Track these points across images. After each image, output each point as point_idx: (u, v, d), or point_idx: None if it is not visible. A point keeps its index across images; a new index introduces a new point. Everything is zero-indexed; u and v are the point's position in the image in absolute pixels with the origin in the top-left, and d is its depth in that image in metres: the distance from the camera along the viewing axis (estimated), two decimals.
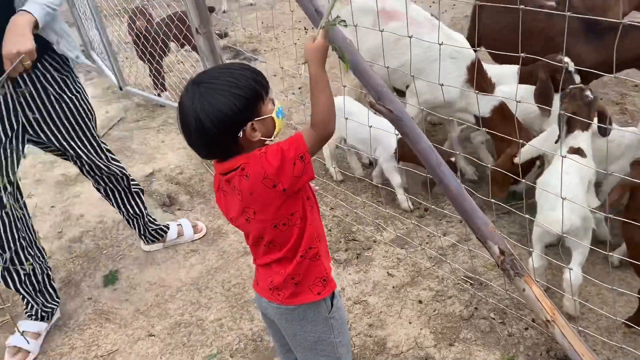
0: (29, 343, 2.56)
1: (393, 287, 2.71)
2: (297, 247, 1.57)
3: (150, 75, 4.62)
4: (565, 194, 2.04)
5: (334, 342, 1.73)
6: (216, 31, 5.91)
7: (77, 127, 2.50)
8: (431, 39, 2.63)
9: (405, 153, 3.08)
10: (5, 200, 2.34)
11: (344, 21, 1.53)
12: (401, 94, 3.38)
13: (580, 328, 2.25)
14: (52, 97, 2.38)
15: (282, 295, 1.63)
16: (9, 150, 2.33)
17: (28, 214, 2.56)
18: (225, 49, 5.74)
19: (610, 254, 2.36)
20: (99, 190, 2.88)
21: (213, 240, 3.20)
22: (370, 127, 2.93)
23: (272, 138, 1.49)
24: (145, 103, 4.79)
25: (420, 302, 2.60)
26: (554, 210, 2.19)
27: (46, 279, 2.66)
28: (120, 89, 4.86)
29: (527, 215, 2.26)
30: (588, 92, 2.48)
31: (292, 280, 1.60)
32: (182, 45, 4.53)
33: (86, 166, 2.68)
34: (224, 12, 7.00)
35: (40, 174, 3.96)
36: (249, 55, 5.62)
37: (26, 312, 2.67)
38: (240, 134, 1.42)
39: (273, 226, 1.52)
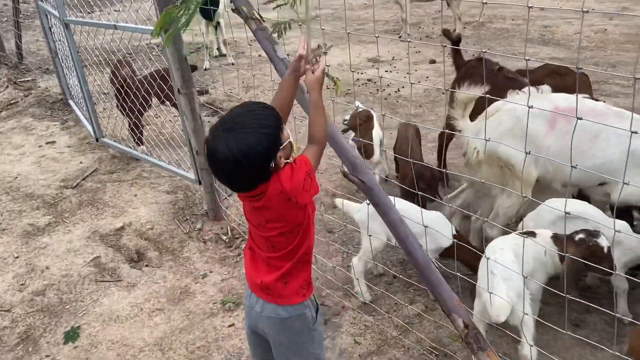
0: None
1: (359, 356, 2.71)
2: (295, 252, 1.77)
3: (128, 128, 4.66)
4: (502, 273, 2.12)
5: (314, 353, 1.92)
6: (197, 88, 6.05)
7: None
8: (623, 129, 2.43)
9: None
10: None
11: (326, 52, 1.78)
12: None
13: None
14: None
15: (271, 294, 1.82)
16: None
17: None
18: (204, 106, 5.85)
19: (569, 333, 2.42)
20: None
21: (179, 299, 3.17)
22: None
23: (290, 160, 1.69)
24: (120, 155, 4.81)
25: None
26: (506, 283, 2.32)
27: None
28: (97, 140, 4.88)
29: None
30: None
31: (282, 280, 1.80)
32: (163, 102, 4.61)
33: None
34: (205, 69, 7.16)
35: (7, 222, 3.90)
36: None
37: None
38: (272, 164, 1.61)
39: (280, 233, 1.73)
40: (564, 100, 2.94)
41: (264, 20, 2.60)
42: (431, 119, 5.56)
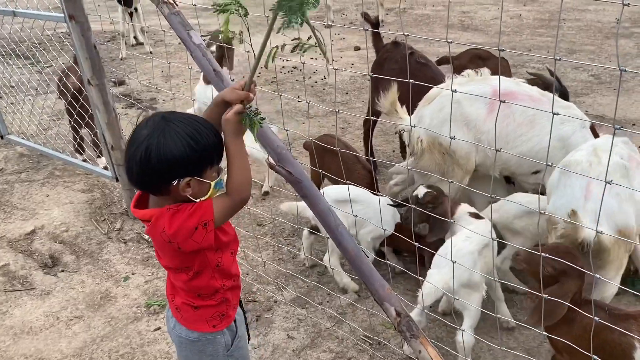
0: None
1: (293, 351, 2.63)
2: (198, 292, 1.63)
3: (75, 140, 4.08)
4: (455, 257, 2.12)
5: None
6: (112, 79, 5.73)
7: None
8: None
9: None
10: None
11: (263, 119, 1.58)
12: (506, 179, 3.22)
13: None
14: None
15: (181, 316, 1.68)
16: None
17: None
18: (120, 97, 5.55)
19: (499, 316, 2.46)
20: None
21: (100, 305, 2.96)
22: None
23: (197, 200, 1.51)
24: (29, 153, 4.45)
25: None
26: (438, 270, 2.33)
27: None
28: (1, 137, 4.50)
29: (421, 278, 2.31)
30: None
31: (191, 305, 1.66)
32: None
33: None
34: (121, 59, 6.80)
35: None
36: (147, 104, 5.47)
37: None
38: (175, 182, 1.45)
39: (176, 269, 1.60)
40: (501, 82, 2.97)
41: (176, 5, 2.44)
42: (358, 106, 5.55)
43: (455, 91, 1.90)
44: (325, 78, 6.24)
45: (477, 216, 2.71)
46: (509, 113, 2.81)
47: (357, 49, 7.19)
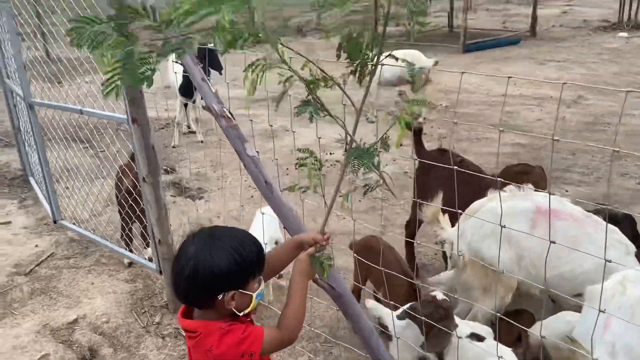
0: None
1: None
2: None
3: (126, 233, 4.14)
4: None
5: None
6: (163, 166, 5.97)
7: None
8: (599, 238, 2.56)
9: None
10: None
11: (331, 265, 1.72)
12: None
13: None
14: None
15: None
16: None
17: None
18: (170, 185, 5.75)
19: None
20: None
21: None
22: None
23: (241, 314, 1.55)
24: (79, 238, 4.61)
25: None
26: None
27: None
28: (55, 222, 4.69)
29: None
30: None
31: None
32: None
33: None
34: (173, 147, 7.11)
35: None
36: (194, 193, 5.64)
37: None
38: (220, 296, 1.49)
39: None
40: (544, 199, 2.95)
41: (234, 118, 2.59)
42: (399, 203, 5.57)
43: (504, 226, 1.90)
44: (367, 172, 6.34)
45: (478, 338, 2.60)
46: (552, 232, 2.77)
47: (399, 145, 7.32)
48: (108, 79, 1.44)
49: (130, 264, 4.15)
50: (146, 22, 1.41)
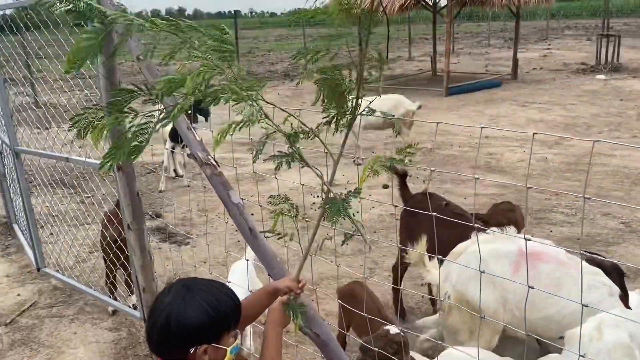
0: None
1: None
2: None
3: (109, 280, 4.09)
4: None
5: None
6: (149, 212, 5.96)
7: None
8: (583, 280, 2.48)
9: None
10: None
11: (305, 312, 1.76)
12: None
13: None
14: None
15: None
16: None
17: None
18: (156, 231, 5.73)
19: None
20: None
21: None
22: None
23: None
24: (62, 286, 4.55)
25: None
26: None
27: None
28: (38, 269, 4.63)
29: None
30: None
31: None
32: None
33: None
34: (160, 192, 7.11)
35: None
36: (180, 238, 5.61)
37: None
38: (192, 350, 1.48)
39: None
40: (529, 243, 2.98)
41: (219, 166, 2.62)
42: (385, 246, 5.59)
43: (483, 272, 1.93)
44: (354, 215, 6.36)
45: None
46: (535, 274, 2.80)
47: (385, 187, 7.39)
48: (105, 156, 1.52)
49: (115, 312, 4.09)
50: (144, 97, 1.50)
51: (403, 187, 4.18)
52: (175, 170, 7.83)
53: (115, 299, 4.04)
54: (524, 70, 16.43)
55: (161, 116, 1.48)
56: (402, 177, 4.13)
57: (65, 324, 4.04)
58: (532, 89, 13.93)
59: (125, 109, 1.47)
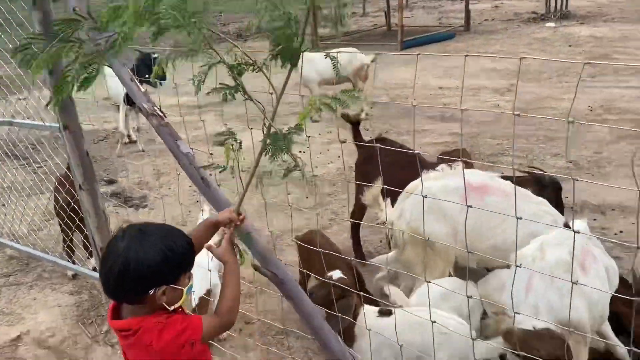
0: None
1: None
2: None
3: (66, 244, 4.07)
4: None
5: None
6: (104, 178, 5.85)
7: None
8: (527, 210, 2.69)
9: None
10: None
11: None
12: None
13: None
14: None
15: None
16: None
17: None
18: (112, 196, 5.64)
19: None
20: None
21: None
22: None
23: (171, 308, 1.56)
24: (18, 255, 4.47)
25: None
26: None
27: None
28: None
29: None
30: None
31: None
32: None
33: None
34: (119, 156, 6.98)
35: None
36: (137, 202, 5.55)
37: None
38: (151, 291, 1.50)
39: None
40: (475, 176, 3.09)
41: (165, 116, 2.59)
42: (345, 197, 5.66)
43: (425, 196, 1.99)
44: (312, 171, 6.41)
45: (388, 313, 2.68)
46: (483, 206, 2.90)
47: (343, 141, 7.43)
48: (55, 90, 1.49)
49: (75, 276, 4.05)
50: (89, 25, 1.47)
51: (357, 135, 4.23)
52: (129, 136, 7.67)
53: (73, 262, 4.01)
54: (476, 22, 16.53)
55: (108, 44, 1.45)
56: (355, 125, 4.18)
57: (24, 291, 3.99)
58: (485, 40, 14.07)
59: (72, 38, 1.43)
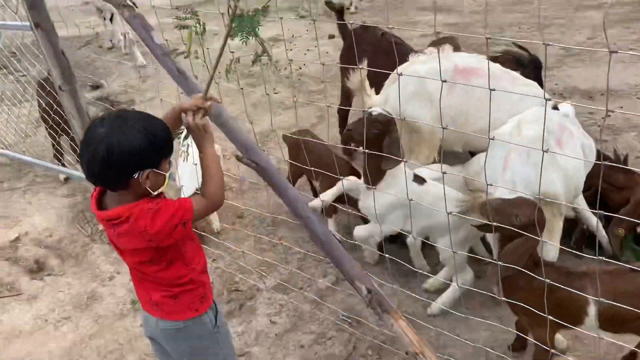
0: None
1: (276, 335, 2.72)
2: (171, 280, 1.70)
3: (56, 146, 4.08)
4: None
5: (220, 354, 1.88)
6: (89, 83, 5.75)
7: None
8: (516, 92, 2.71)
9: None
10: None
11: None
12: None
13: (446, 357, 2.40)
14: None
15: (162, 310, 1.75)
16: None
17: None
18: (98, 101, 5.57)
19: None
20: None
21: (87, 305, 3.04)
22: None
23: (154, 193, 1.59)
24: (10, 162, 4.49)
25: (302, 346, 2.64)
26: None
27: None
28: None
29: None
30: None
31: (170, 297, 1.73)
32: None
33: None
34: (109, 48, 6.81)
35: None
36: (125, 105, 5.50)
37: None
38: (136, 175, 1.52)
39: (140, 262, 1.66)
40: (462, 59, 3.03)
41: (136, 7, 2.50)
42: (334, 94, 5.60)
43: (400, 74, 1.97)
44: (300, 69, 6.29)
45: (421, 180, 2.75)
46: (469, 89, 2.87)
47: (331, 37, 7.22)
48: None
49: (67, 179, 4.11)
50: None
51: (341, 24, 4.11)
52: (111, 40, 7.44)
53: (63, 165, 4.04)
54: None
55: None
56: (339, 12, 4.04)
57: (19, 195, 4.06)
58: None
59: None
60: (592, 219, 2.82)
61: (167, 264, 1.68)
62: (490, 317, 2.64)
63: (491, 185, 1.95)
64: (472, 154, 3.25)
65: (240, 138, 2.37)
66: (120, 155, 1.49)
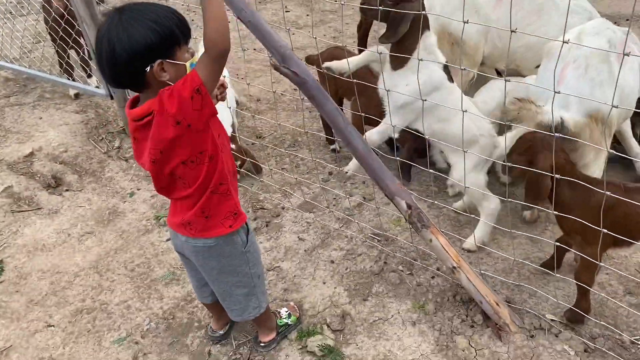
0: None
1: (305, 251, 2.72)
2: (207, 184, 1.65)
3: (82, 61, 3.94)
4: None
5: (249, 273, 1.90)
6: None
7: None
8: (563, 5, 2.58)
9: None
10: None
11: None
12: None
13: (481, 271, 2.41)
14: None
15: (194, 229, 1.73)
16: None
17: None
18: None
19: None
20: None
21: (109, 220, 3.00)
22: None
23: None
24: (15, 77, 4.33)
25: (332, 262, 2.64)
26: None
27: None
28: None
29: (431, 170, 2.35)
30: None
31: (202, 214, 1.70)
32: None
33: None
34: None
35: None
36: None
37: None
38: (148, 69, 1.45)
39: (181, 162, 1.58)
40: None
41: None
42: (348, 14, 5.40)
43: None
44: None
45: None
46: (518, 1, 2.74)
47: None
48: None
49: (77, 95, 3.97)
50: None
51: None
52: None
53: (74, 81, 3.89)
54: None
55: None
56: None
57: (28, 111, 3.93)
58: None
59: None
60: (635, 147, 2.76)
61: (212, 163, 1.62)
62: (519, 237, 2.65)
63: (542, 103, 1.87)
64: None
65: (275, 44, 2.24)
66: (124, 50, 1.42)
